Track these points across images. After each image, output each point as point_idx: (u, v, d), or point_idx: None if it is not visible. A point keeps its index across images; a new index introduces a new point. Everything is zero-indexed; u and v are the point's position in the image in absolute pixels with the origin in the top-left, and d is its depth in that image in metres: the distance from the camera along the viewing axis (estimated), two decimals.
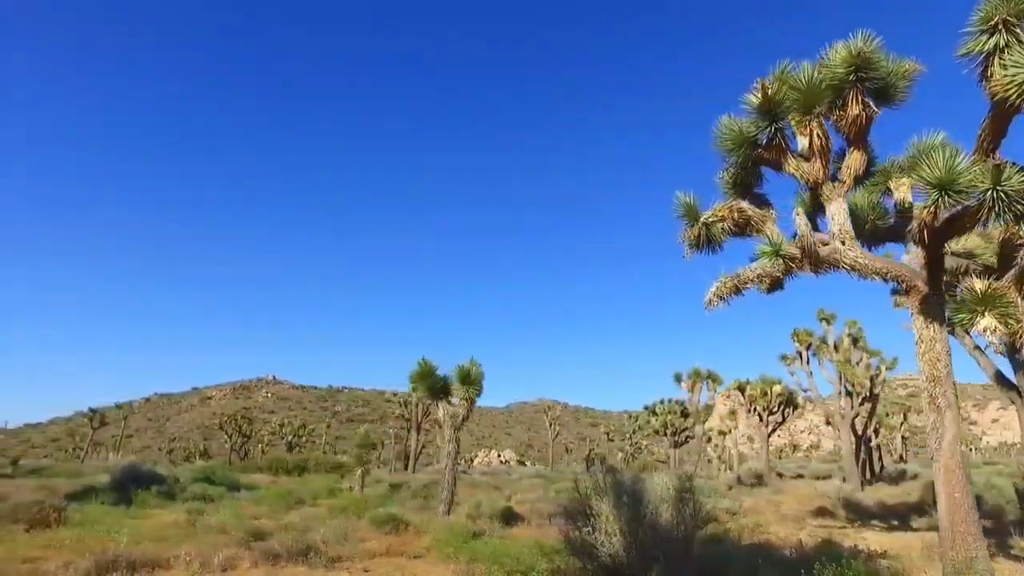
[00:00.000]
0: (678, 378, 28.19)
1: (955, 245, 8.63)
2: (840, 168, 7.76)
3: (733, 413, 37.28)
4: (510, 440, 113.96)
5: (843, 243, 7.21)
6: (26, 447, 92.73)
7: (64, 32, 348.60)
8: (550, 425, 47.99)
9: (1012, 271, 6.72)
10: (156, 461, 47.73)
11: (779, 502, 17.15)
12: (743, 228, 8.36)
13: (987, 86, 5.72)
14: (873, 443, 29.82)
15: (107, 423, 57.60)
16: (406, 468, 37.68)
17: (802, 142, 7.55)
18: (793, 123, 7.37)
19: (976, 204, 5.90)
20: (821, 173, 7.35)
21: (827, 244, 7.36)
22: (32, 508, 11.54)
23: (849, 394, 22.05)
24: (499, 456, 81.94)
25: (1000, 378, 12.50)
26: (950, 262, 7.48)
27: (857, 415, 22.11)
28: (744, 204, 8.24)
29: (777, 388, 28.28)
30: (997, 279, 6.67)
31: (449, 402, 12.46)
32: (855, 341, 22.32)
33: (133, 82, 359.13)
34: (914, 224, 6.71)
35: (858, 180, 7.56)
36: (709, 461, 32.18)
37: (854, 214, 7.99)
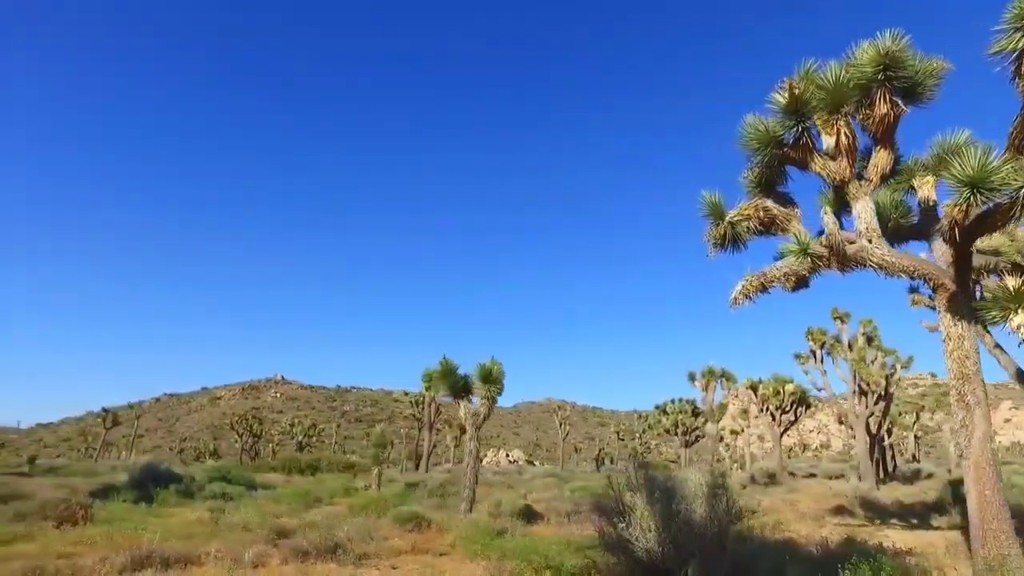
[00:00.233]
0: (692, 377, 28.17)
1: (980, 243, 8.65)
2: (865, 166, 7.82)
3: (745, 412, 37.20)
4: (518, 440, 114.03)
5: (870, 241, 7.24)
6: (39, 447, 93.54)
7: (64, 32, 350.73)
8: (560, 425, 48.03)
9: None
10: (168, 461, 48.07)
11: (796, 501, 17.14)
12: (768, 227, 8.40)
13: (1020, 84, 5.74)
14: (886, 442, 29.73)
15: (119, 423, 58.08)
16: (417, 467, 37.83)
17: (827, 141, 7.58)
18: (819, 122, 7.40)
19: (1008, 202, 5.92)
20: (848, 172, 7.37)
21: (854, 242, 7.39)
22: (60, 505, 11.71)
23: (864, 393, 21.98)
24: (508, 456, 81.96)
25: (1022, 376, 12.46)
26: (978, 260, 7.48)
27: (872, 414, 22.04)
28: (769, 203, 8.28)
29: (790, 387, 28.21)
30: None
31: (470, 401, 12.54)
32: (870, 340, 22.25)
33: (133, 82, 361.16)
34: (944, 222, 6.73)
35: (884, 178, 7.59)
36: (720, 460, 32.19)
37: (876, 212, 8.01)
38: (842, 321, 22.82)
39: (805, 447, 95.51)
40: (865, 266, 7.34)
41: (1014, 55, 5.61)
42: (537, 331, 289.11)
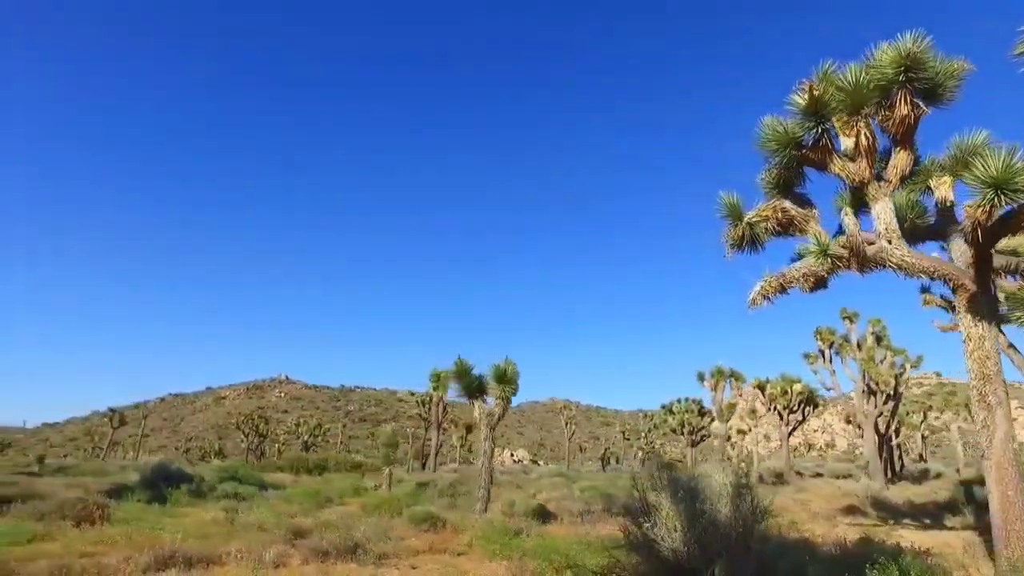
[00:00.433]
0: (701, 377, 28.17)
1: (998, 244, 8.66)
2: (883, 167, 7.84)
3: (754, 412, 37.17)
4: (522, 440, 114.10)
5: (890, 242, 7.26)
6: (45, 446, 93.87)
7: (64, 32, 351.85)
8: (566, 424, 48.08)
9: None
10: (175, 460, 48.23)
11: (806, 500, 17.14)
12: (786, 228, 8.43)
13: None
14: (894, 442, 29.70)
15: (126, 423, 58.27)
16: (423, 467, 37.90)
17: (846, 142, 7.60)
18: (839, 124, 7.43)
19: None
20: (867, 173, 7.39)
21: (873, 243, 7.41)
22: (77, 505, 11.78)
23: (872, 392, 21.96)
24: (512, 455, 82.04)
25: None
26: (997, 260, 7.49)
27: (881, 414, 22.02)
28: (787, 204, 8.30)
29: (798, 386, 28.20)
30: None
31: (484, 401, 12.58)
32: (879, 339, 22.23)
33: (133, 82, 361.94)
34: (966, 222, 6.74)
35: (903, 179, 7.60)
36: (729, 459, 32.21)
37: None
38: (851, 321, 22.80)
39: (810, 447, 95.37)
40: (885, 267, 7.36)
41: None
42: (539, 331, 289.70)
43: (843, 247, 7.41)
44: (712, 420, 39.50)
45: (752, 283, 8.01)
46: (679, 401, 38.92)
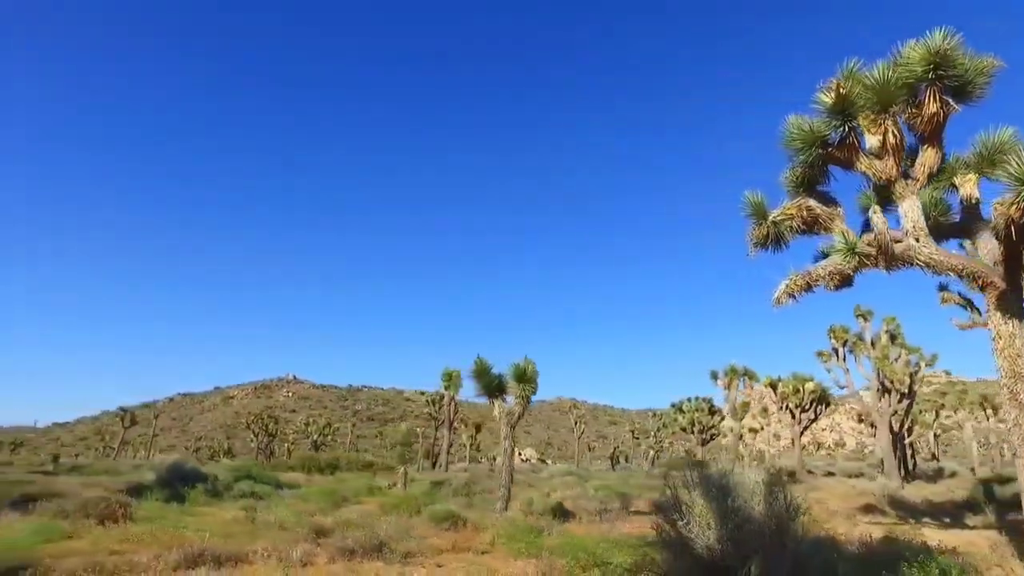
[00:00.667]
0: (714, 375, 28.12)
1: None
2: (910, 165, 7.82)
3: (765, 411, 37.07)
4: (530, 439, 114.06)
5: (917, 240, 7.24)
6: (56, 445, 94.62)
7: (64, 32, 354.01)
8: (575, 423, 48.06)
9: None
10: (189, 460, 48.53)
11: (822, 499, 17.11)
12: (811, 226, 8.41)
13: None
14: (907, 441, 29.58)
15: (137, 422, 58.70)
16: (433, 466, 37.98)
17: (871, 140, 7.58)
18: (866, 122, 7.41)
19: None
20: (895, 171, 7.37)
21: (900, 241, 7.40)
22: (100, 504, 11.89)
23: (887, 391, 21.87)
24: (520, 454, 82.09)
25: None
26: None
27: (895, 412, 21.94)
28: (812, 202, 8.29)
29: (810, 385, 28.13)
30: None
31: (504, 400, 12.62)
32: (893, 337, 22.14)
33: (133, 82, 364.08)
34: (998, 220, 6.72)
35: (931, 177, 7.58)
36: (741, 458, 32.16)
37: None
38: (865, 319, 22.71)
39: (819, 445, 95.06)
40: (912, 265, 7.35)
41: None
42: (540, 331, 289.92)
43: (870, 245, 7.41)
44: (722, 419, 39.44)
45: (776, 281, 8.05)
46: (689, 400, 38.84)
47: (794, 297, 7.98)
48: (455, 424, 34.68)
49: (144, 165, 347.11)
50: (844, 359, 23.11)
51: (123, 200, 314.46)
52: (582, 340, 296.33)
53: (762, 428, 39.79)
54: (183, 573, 7.58)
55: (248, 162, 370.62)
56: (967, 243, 9.46)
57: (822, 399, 29.33)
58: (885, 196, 8.04)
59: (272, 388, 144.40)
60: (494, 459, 76.13)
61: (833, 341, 23.13)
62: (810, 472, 33.32)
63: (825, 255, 8.64)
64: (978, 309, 14.71)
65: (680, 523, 5.89)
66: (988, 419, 31.44)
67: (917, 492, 17.59)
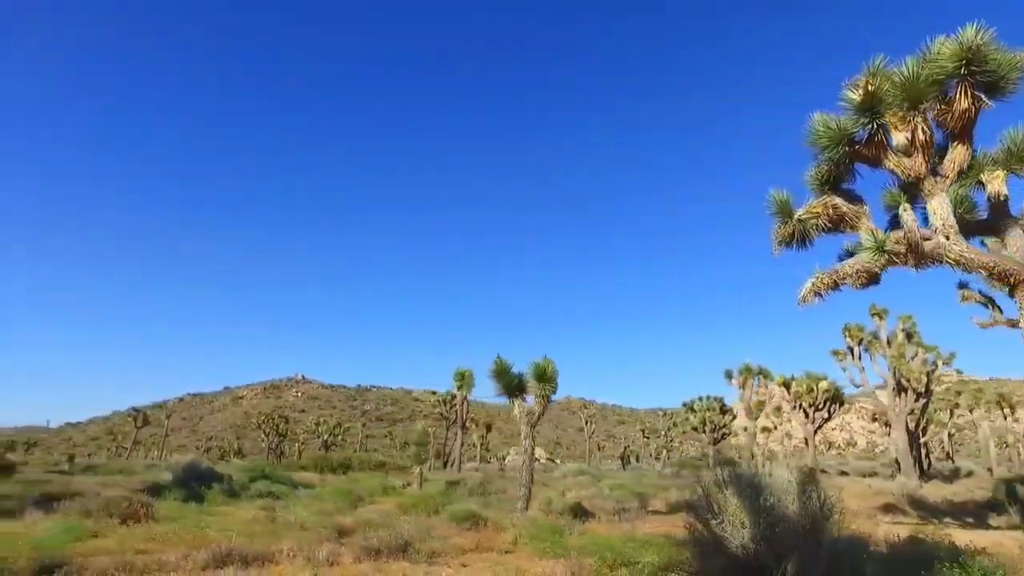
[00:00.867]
0: (729, 374, 28.00)
1: None
2: (938, 162, 7.75)
3: (779, 410, 36.90)
4: (539, 438, 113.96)
5: (947, 238, 7.18)
6: (69, 445, 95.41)
7: (64, 32, 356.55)
8: (586, 423, 48.01)
9: None
10: (204, 460, 48.77)
11: (839, 499, 17.01)
12: (837, 224, 8.35)
13: None
14: (922, 440, 29.36)
15: (149, 423, 59.12)
16: (445, 465, 38.02)
17: (898, 138, 7.53)
18: (894, 119, 7.35)
19: None
20: (923, 168, 7.31)
21: (929, 239, 7.33)
22: (122, 503, 11.98)
23: (903, 390, 21.71)
24: (516, 454, 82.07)
25: None
26: None
27: (912, 411, 21.77)
28: (838, 200, 8.22)
29: (823, 384, 27.94)
30: None
31: (524, 400, 12.61)
32: (909, 336, 21.98)
33: (133, 82, 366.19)
34: None
35: (960, 174, 7.51)
36: (753, 457, 31.99)
37: None
38: (880, 317, 22.56)
39: (829, 445, 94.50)
40: (942, 263, 7.29)
41: None
42: (541, 330, 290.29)
43: (898, 243, 7.35)
44: (734, 418, 39.28)
45: (803, 279, 8.01)
46: (700, 399, 38.71)
47: (820, 295, 7.93)
48: (467, 424, 34.71)
49: (144, 165, 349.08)
50: (860, 358, 22.97)
51: (124, 200, 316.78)
52: (586, 340, 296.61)
53: (775, 427, 39.56)
54: (211, 573, 7.63)
55: (248, 162, 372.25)
56: (990, 240, 9.38)
57: (836, 398, 29.12)
58: (911, 193, 7.99)
59: (281, 388, 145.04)
60: (503, 459, 76.14)
61: (848, 340, 22.99)
62: (823, 471, 33.14)
63: (850, 253, 8.58)
64: (999, 307, 14.56)
65: (713, 522, 5.86)
66: (1005, 418, 31.18)
67: (936, 492, 17.45)
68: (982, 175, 8.41)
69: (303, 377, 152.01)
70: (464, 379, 25.59)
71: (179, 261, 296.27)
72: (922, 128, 7.11)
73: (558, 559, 7.94)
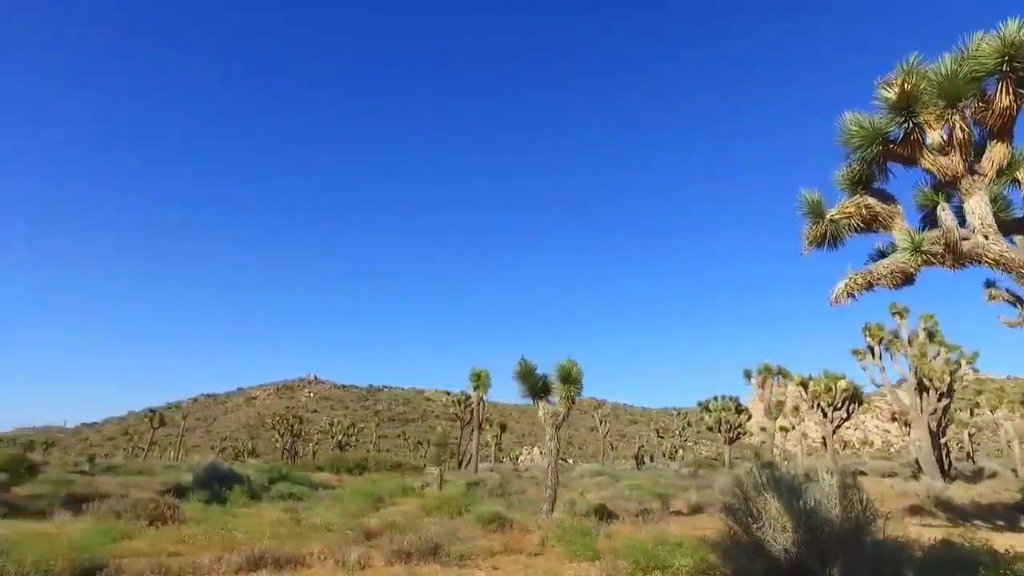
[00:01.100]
0: (748, 374, 27.82)
1: None
2: (976, 161, 7.64)
3: (797, 409, 36.62)
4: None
5: (986, 237, 7.07)
6: (85, 445, 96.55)
7: (64, 32, 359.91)
8: (601, 423, 47.92)
9: None
10: (224, 461, 49.11)
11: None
12: (869, 224, 8.26)
13: None
14: (943, 440, 29.00)
15: (165, 423, 59.65)
16: (459, 466, 38.05)
17: (933, 136, 7.43)
18: (929, 117, 7.26)
19: None
20: (961, 167, 7.20)
21: (967, 239, 7.23)
22: (149, 505, 12.10)
23: (925, 389, 21.45)
24: (541, 454, 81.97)
25: None
26: None
27: (934, 411, 21.51)
28: (871, 200, 8.13)
29: (842, 383, 27.69)
30: None
31: (548, 401, 12.59)
32: (931, 335, 21.70)
33: (133, 82, 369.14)
34: None
35: (999, 172, 7.41)
36: (774, 457, 31.78)
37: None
38: (901, 316, 22.31)
39: (844, 444, 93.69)
40: (980, 263, 7.19)
41: None
42: (541, 331, 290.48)
43: (935, 243, 7.26)
44: (749, 418, 39.03)
45: (836, 280, 7.94)
46: (716, 399, 38.52)
47: (853, 296, 7.85)
48: (482, 424, 34.73)
49: (144, 165, 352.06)
50: (880, 357, 22.73)
51: (124, 200, 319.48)
52: (587, 340, 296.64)
53: (793, 427, 39.25)
54: (244, 575, 7.68)
55: (248, 162, 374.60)
56: (1019, 239, 9.27)
57: (854, 398, 28.86)
58: (944, 192, 7.90)
59: (294, 388, 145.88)
60: (516, 459, 76.18)
61: (868, 339, 22.75)
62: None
63: (882, 254, 8.52)
64: None
65: (754, 526, 5.81)
66: None
67: (963, 494, 17.22)
68: (1018, 173, 8.32)
69: (315, 377, 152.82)
70: (480, 379, 25.64)
71: (185, 261, 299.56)
72: (960, 126, 7.01)
73: (591, 562, 7.91)
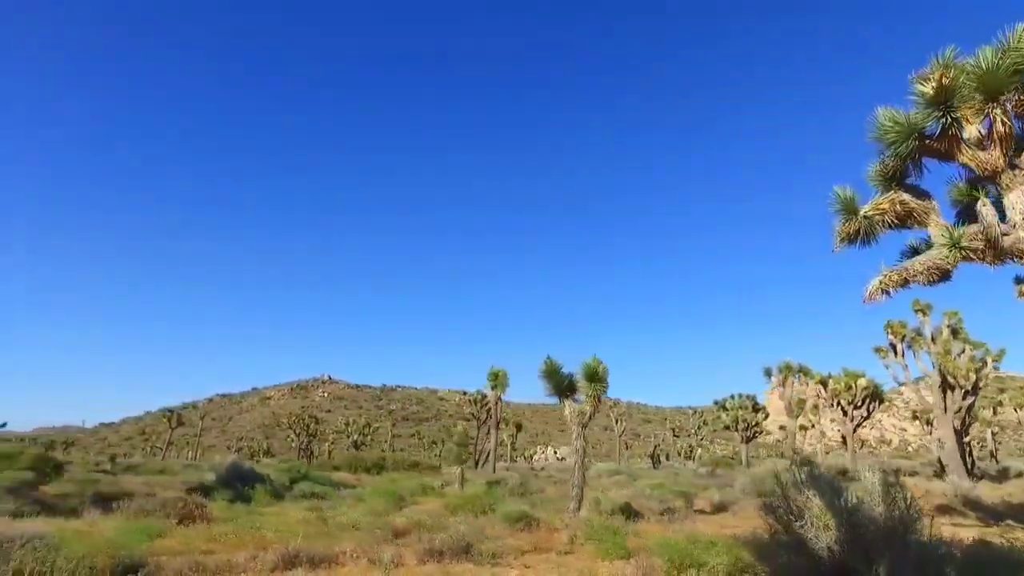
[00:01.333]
0: (768, 372, 27.62)
1: None
2: (1015, 155, 7.53)
3: (816, 408, 36.32)
4: (564, 437, 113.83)
5: None
6: (104, 445, 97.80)
7: (64, 32, 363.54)
8: (616, 422, 47.82)
9: None
10: (245, 461, 49.51)
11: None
12: (903, 220, 8.15)
13: None
14: (966, 439, 28.63)
15: (183, 423, 60.23)
16: (476, 465, 38.10)
17: (970, 130, 7.33)
18: (967, 111, 7.16)
19: None
20: (1001, 161, 7.10)
21: (1008, 234, 7.13)
22: (178, 504, 12.22)
23: (950, 387, 21.17)
24: (555, 452, 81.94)
25: None
26: None
27: (959, 409, 21.23)
28: (905, 196, 8.03)
29: (862, 381, 27.43)
30: None
31: (574, 400, 12.59)
32: (955, 332, 21.41)
33: (133, 82, 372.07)
34: None
35: None
36: (796, 456, 31.48)
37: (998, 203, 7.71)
38: (924, 313, 22.03)
39: (862, 443, 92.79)
40: (1022, 258, 7.09)
41: None
42: (541, 330, 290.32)
43: (975, 239, 7.17)
44: (766, 416, 38.75)
45: (869, 277, 7.86)
46: (732, 397, 38.31)
47: (888, 293, 7.75)
48: (499, 423, 34.76)
49: (144, 165, 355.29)
50: (903, 355, 22.46)
51: (124, 199, 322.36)
52: (588, 340, 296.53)
53: (812, 426, 38.92)
54: (280, 574, 7.74)
55: (248, 162, 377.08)
56: None
57: (875, 396, 28.57)
58: (982, 188, 7.78)
59: (308, 388, 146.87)
60: (530, 458, 76.17)
61: (891, 336, 22.49)
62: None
63: (915, 250, 8.42)
64: None
65: (796, 524, 5.77)
66: None
67: (992, 493, 16.98)
68: None
69: (329, 377, 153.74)
70: (498, 379, 25.70)
71: (185, 262, 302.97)
72: (1001, 119, 6.91)
73: (626, 560, 7.89)
